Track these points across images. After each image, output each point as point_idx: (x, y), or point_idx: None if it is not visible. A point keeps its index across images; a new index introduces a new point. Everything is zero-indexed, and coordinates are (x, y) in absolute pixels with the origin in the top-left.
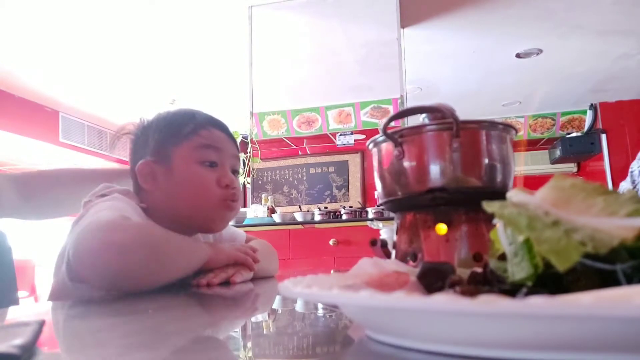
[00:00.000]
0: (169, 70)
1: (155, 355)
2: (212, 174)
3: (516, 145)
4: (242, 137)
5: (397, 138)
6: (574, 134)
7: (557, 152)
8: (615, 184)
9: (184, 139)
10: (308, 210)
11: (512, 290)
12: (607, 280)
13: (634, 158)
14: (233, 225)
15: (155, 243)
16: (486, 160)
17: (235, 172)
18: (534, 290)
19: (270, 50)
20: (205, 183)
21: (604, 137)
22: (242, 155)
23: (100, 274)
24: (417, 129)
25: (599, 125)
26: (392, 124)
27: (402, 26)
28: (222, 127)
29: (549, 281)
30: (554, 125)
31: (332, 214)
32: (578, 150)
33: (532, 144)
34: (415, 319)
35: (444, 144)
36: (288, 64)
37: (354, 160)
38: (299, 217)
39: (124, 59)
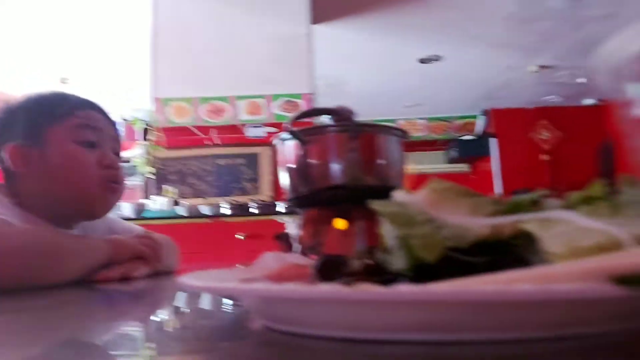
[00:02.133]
0: (60, 45)
1: (29, 353)
2: (91, 155)
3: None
4: (143, 122)
5: (303, 137)
6: (467, 137)
7: (453, 153)
8: (505, 183)
9: (58, 119)
10: (215, 203)
11: (394, 279)
12: (471, 271)
13: (520, 160)
14: (133, 217)
15: (47, 245)
16: (381, 161)
17: (116, 154)
18: (412, 279)
19: (176, 32)
20: (85, 163)
21: (494, 140)
22: (144, 143)
23: None
24: (321, 130)
25: (491, 129)
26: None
27: (313, 22)
28: (97, 109)
29: (427, 271)
30: (450, 128)
31: (240, 207)
32: (471, 152)
33: (430, 145)
34: (302, 307)
35: (344, 144)
36: (194, 49)
37: (265, 153)
38: (205, 209)
39: (7, 28)
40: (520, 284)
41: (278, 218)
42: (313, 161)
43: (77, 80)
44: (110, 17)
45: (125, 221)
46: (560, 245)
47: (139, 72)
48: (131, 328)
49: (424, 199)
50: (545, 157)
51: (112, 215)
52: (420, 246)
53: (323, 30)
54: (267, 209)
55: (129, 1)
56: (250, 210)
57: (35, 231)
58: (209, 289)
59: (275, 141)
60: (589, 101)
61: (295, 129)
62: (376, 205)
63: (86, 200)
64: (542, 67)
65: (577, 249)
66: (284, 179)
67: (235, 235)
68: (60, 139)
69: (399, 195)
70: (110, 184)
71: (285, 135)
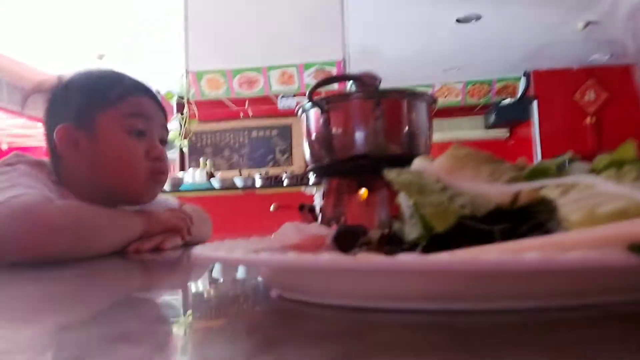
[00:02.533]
0: (97, 23)
1: (69, 318)
2: (140, 145)
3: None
4: (178, 96)
5: (323, 105)
6: (507, 101)
7: (491, 118)
8: (544, 149)
9: (110, 105)
10: (249, 175)
11: (409, 248)
12: (487, 239)
13: (563, 124)
14: (169, 190)
15: (83, 222)
16: (406, 128)
17: (163, 142)
18: (427, 249)
19: (207, 4)
20: (134, 154)
21: (535, 104)
22: (178, 117)
23: (26, 257)
24: (342, 97)
25: (531, 92)
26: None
27: None
28: (150, 94)
29: (441, 240)
30: (489, 91)
31: (273, 179)
32: (510, 116)
33: (469, 110)
34: (308, 276)
35: (367, 112)
36: (226, 20)
37: (298, 124)
38: (238, 182)
39: (47, 8)
40: (527, 253)
41: (307, 189)
42: (335, 130)
43: (112, 56)
44: None
45: (161, 194)
46: (578, 212)
47: (173, 46)
48: (151, 296)
49: (443, 166)
50: (590, 121)
51: None
52: (431, 215)
53: None
54: (299, 180)
55: None
56: (283, 181)
57: (74, 206)
58: (218, 259)
59: (297, 110)
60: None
61: (317, 97)
62: (390, 174)
63: (132, 189)
64: (589, 23)
65: (596, 215)
66: (307, 149)
67: (270, 208)
68: (110, 127)
69: (418, 163)
70: (157, 175)
71: (306, 104)
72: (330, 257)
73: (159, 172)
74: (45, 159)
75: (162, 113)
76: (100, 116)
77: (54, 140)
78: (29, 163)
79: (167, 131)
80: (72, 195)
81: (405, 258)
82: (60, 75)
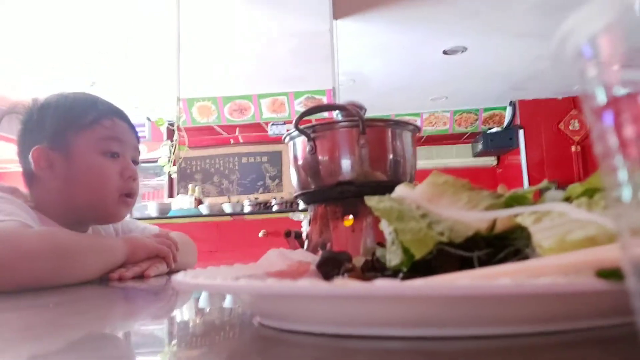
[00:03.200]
0: (88, 50)
1: (45, 348)
2: (114, 165)
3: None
4: (168, 123)
5: (309, 133)
6: (494, 129)
7: (479, 146)
8: (531, 176)
9: (86, 127)
10: (238, 202)
11: (392, 275)
12: (467, 265)
13: (549, 152)
14: (157, 216)
15: (65, 248)
16: (390, 156)
17: (135, 162)
18: (408, 275)
19: (200, 34)
20: (108, 174)
21: (521, 132)
22: (167, 143)
23: (8, 284)
24: (328, 126)
25: (518, 121)
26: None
27: (335, 17)
28: (123, 117)
29: (423, 266)
30: (476, 120)
31: (262, 205)
32: (498, 144)
33: (457, 138)
34: (287, 302)
35: (352, 140)
36: (218, 49)
37: (288, 151)
38: (227, 208)
39: (39, 37)
40: (500, 278)
41: (295, 215)
42: (321, 157)
43: (104, 83)
44: (136, 19)
45: (141, 222)
46: (550, 239)
47: (165, 73)
48: (132, 324)
49: (423, 194)
50: (575, 149)
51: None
52: (410, 241)
53: (345, 25)
54: (289, 206)
55: (154, 3)
56: (272, 207)
57: (53, 233)
58: (198, 285)
59: (284, 138)
60: (622, 90)
61: (304, 125)
62: (371, 200)
63: (102, 208)
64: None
65: (566, 242)
66: (294, 176)
67: (259, 234)
68: (85, 149)
69: (399, 190)
70: (125, 198)
71: (293, 132)
72: (306, 284)
73: (128, 193)
74: (17, 186)
75: (135, 135)
76: (75, 138)
77: (29, 161)
78: (3, 190)
79: (138, 152)
80: (48, 218)
81: (380, 284)
82: (35, 98)
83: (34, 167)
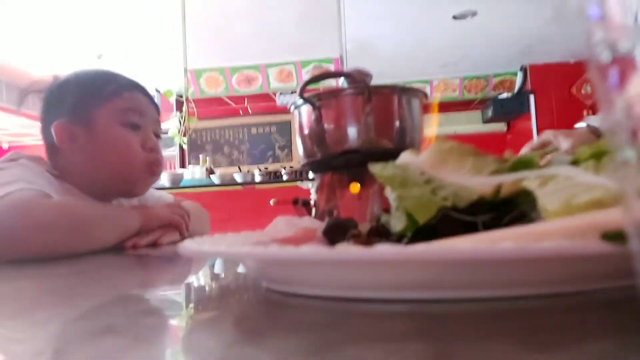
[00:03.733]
0: (95, 23)
1: (56, 315)
2: (136, 137)
3: (429, 109)
4: (177, 95)
5: (314, 101)
6: (504, 95)
7: (489, 113)
8: None
9: (106, 100)
10: (248, 171)
11: (397, 240)
12: (472, 230)
13: (558, 118)
14: (169, 186)
15: (79, 218)
16: (397, 123)
17: (157, 136)
18: (411, 240)
19: (205, 3)
20: (131, 145)
21: (532, 98)
22: (177, 115)
23: (22, 254)
24: (333, 93)
25: (528, 86)
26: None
27: None
28: (143, 91)
29: (427, 231)
30: (487, 86)
31: (272, 174)
32: (508, 110)
33: (466, 105)
34: (291, 268)
35: (358, 107)
36: (224, 18)
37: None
38: (238, 178)
39: (45, 9)
40: (503, 242)
41: (304, 184)
42: (327, 126)
43: (111, 56)
44: None
45: (156, 191)
46: (555, 202)
47: (172, 45)
48: (144, 291)
49: (427, 160)
50: (586, 113)
51: None
52: (412, 207)
53: None
54: (298, 175)
55: None
56: (282, 177)
57: (69, 203)
58: (202, 252)
59: (289, 107)
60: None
61: (309, 94)
62: (374, 167)
63: (128, 181)
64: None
65: (572, 205)
66: (300, 145)
67: (270, 202)
68: (107, 121)
69: (404, 156)
70: (152, 167)
71: (298, 100)
72: (308, 249)
73: (154, 163)
74: (42, 156)
75: (155, 108)
76: (96, 111)
77: (52, 135)
78: (29, 158)
79: (159, 126)
80: (72, 187)
81: (382, 249)
82: (56, 75)
83: (56, 141)
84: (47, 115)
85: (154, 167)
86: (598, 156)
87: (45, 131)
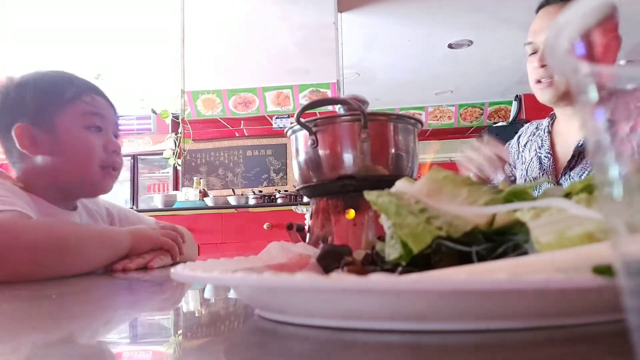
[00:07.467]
0: (94, 43)
1: (46, 338)
2: (98, 139)
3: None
4: (173, 116)
5: (311, 127)
6: (499, 124)
7: (485, 141)
8: None
9: (67, 103)
10: (242, 194)
11: (391, 269)
12: (466, 260)
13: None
14: (162, 208)
15: (67, 239)
16: (392, 150)
17: (116, 137)
18: (406, 269)
19: (204, 27)
20: (93, 147)
21: None
22: (172, 136)
23: (8, 275)
24: (330, 119)
25: (523, 115)
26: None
27: (340, 10)
28: (101, 94)
29: (421, 260)
30: (482, 114)
31: (266, 197)
32: (503, 138)
33: (462, 132)
34: (286, 295)
35: (354, 134)
36: (223, 42)
37: (291, 144)
38: (232, 200)
39: (44, 29)
40: (496, 273)
41: (298, 208)
42: (322, 151)
43: (109, 75)
44: (141, 11)
45: (138, 213)
46: (548, 234)
47: (170, 66)
48: (133, 316)
49: (422, 188)
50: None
51: (124, 207)
52: (407, 236)
53: (350, 18)
54: (292, 199)
55: None
56: (276, 200)
57: (55, 224)
58: (196, 278)
59: (286, 131)
60: (630, 84)
61: (306, 119)
62: (369, 195)
63: (88, 182)
64: None
65: (565, 238)
66: (296, 169)
67: (264, 226)
68: (70, 124)
69: (399, 184)
70: (110, 171)
71: (295, 125)
72: (303, 277)
73: (113, 166)
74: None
75: (113, 110)
76: (58, 114)
77: (11, 138)
78: None
79: (118, 128)
80: (38, 197)
81: (375, 278)
82: (10, 76)
83: (18, 144)
84: (4, 117)
85: (112, 170)
86: (590, 189)
87: (3, 133)
